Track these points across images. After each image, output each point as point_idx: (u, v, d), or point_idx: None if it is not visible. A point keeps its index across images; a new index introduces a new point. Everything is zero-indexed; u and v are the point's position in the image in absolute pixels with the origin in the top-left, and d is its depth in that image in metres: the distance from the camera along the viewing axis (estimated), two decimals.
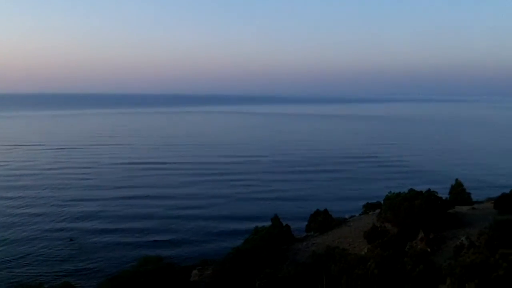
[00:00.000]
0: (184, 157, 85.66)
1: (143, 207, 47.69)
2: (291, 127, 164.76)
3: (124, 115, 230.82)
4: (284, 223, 32.09)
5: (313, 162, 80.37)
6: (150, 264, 24.29)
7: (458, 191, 37.37)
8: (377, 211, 31.36)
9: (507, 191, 29.88)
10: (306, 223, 33.82)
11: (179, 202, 49.76)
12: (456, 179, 39.64)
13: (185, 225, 41.62)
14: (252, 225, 32.47)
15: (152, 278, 22.13)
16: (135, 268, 23.84)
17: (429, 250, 22.53)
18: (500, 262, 9.43)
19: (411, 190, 28.01)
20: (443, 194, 33.65)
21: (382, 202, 30.14)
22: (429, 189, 28.24)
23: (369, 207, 36.76)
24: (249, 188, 57.45)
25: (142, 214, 45.05)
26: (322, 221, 31.84)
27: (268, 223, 31.85)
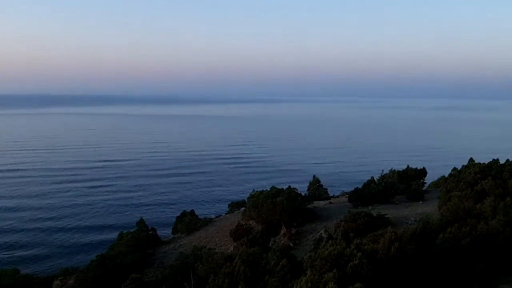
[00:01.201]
0: (35, 163, 79.16)
1: None
2: (153, 128, 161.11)
3: None
4: (150, 227, 31.55)
5: (178, 164, 79.56)
6: (6, 278, 22.46)
7: (316, 187, 39.50)
8: (242, 209, 32.02)
9: (360, 185, 32.16)
10: (173, 225, 33.57)
11: (36, 214, 46.09)
12: (314, 176, 41.85)
13: (45, 238, 38.73)
14: (118, 233, 31.38)
15: None
16: None
17: (291, 244, 23.52)
18: (355, 252, 10.12)
19: (273, 187, 29.02)
20: (303, 190, 35.39)
21: (246, 200, 30.85)
22: (289, 186, 29.48)
23: (234, 206, 37.37)
24: (112, 195, 55.19)
25: None
26: (188, 222, 31.76)
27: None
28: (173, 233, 32.69)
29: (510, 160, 24.54)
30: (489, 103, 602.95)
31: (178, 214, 34.71)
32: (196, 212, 34.36)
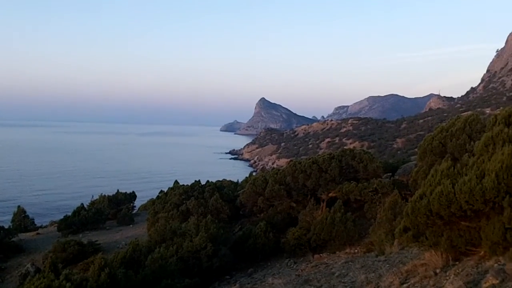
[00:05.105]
0: None
1: None
2: None
3: None
4: None
5: None
6: None
7: (21, 218, 36.96)
8: None
9: (69, 212, 31.32)
10: None
11: None
12: (18, 206, 39.07)
13: None
14: None
15: None
16: None
17: None
18: (64, 283, 10.01)
19: None
20: (6, 223, 32.74)
21: None
22: None
23: None
24: None
25: None
26: None
27: None
28: None
29: (210, 181, 27.15)
30: (190, 128, 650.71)
31: None
32: None
